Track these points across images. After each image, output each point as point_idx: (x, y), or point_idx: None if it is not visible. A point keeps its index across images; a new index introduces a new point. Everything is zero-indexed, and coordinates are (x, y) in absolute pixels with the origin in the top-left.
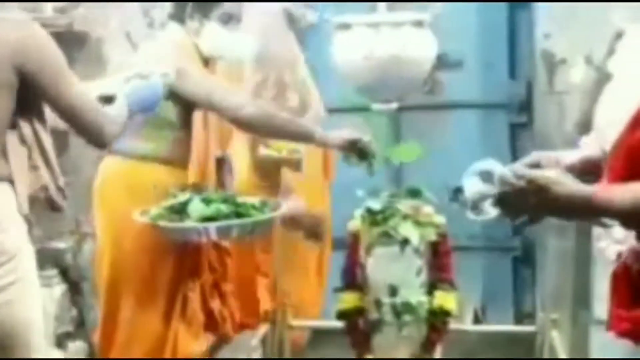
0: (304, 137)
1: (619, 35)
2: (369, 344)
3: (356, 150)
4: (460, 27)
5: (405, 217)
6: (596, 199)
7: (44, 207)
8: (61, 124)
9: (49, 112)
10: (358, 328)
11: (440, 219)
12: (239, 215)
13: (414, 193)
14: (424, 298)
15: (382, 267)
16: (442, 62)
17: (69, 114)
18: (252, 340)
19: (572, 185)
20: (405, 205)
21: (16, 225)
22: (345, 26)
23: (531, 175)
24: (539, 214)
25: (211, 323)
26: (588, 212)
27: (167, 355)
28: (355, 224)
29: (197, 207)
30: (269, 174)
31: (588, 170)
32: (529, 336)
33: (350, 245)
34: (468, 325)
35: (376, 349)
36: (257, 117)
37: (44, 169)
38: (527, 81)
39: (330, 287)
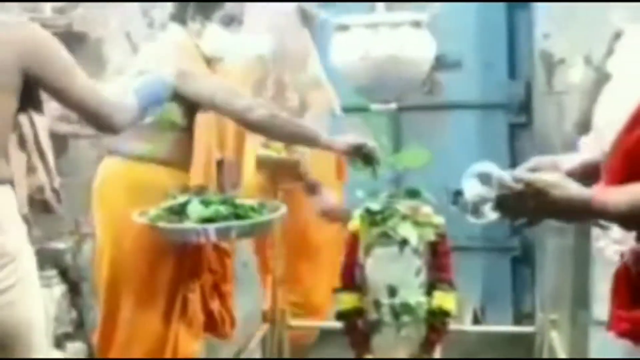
0: (310, 140)
1: (618, 36)
2: (368, 345)
3: (361, 155)
4: (459, 28)
5: (404, 217)
6: (594, 202)
7: (38, 209)
8: (61, 129)
9: (48, 113)
10: (357, 328)
11: (439, 220)
12: (238, 216)
13: (413, 193)
14: (423, 298)
15: (381, 267)
16: (441, 63)
17: (78, 106)
18: (252, 341)
19: (571, 189)
20: (404, 205)
21: (17, 227)
22: (344, 27)
23: (529, 179)
24: (538, 217)
25: (211, 323)
26: (586, 215)
27: (168, 355)
28: (354, 224)
29: (196, 209)
30: (270, 174)
31: (589, 174)
32: (528, 336)
33: (349, 246)
34: (467, 325)
35: (375, 349)
36: (266, 120)
37: (41, 170)
38: (526, 81)
39: None
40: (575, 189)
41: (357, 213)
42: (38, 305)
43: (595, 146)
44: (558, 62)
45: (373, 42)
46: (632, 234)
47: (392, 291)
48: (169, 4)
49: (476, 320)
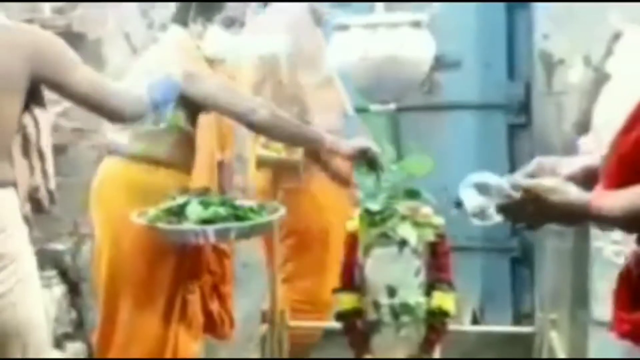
0: (314, 142)
1: (617, 36)
2: (368, 345)
3: (366, 160)
4: (459, 28)
5: (403, 217)
6: (591, 207)
7: (31, 208)
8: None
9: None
10: (356, 329)
11: (438, 220)
12: (237, 218)
13: (413, 194)
14: (422, 299)
15: (380, 267)
16: (440, 63)
17: (86, 100)
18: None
19: (570, 193)
20: (403, 206)
21: (18, 229)
22: (343, 27)
23: (528, 185)
24: (538, 222)
25: (210, 324)
26: (585, 220)
27: (167, 356)
28: (353, 224)
29: (195, 210)
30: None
31: (590, 178)
32: (527, 336)
33: (349, 246)
34: (466, 325)
35: (375, 349)
36: (271, 121)
37: (38, 171)
38: (525, 82)
39: None
40: (573, 194)
41: (356, 213)
42: (39, 305)
43: (594, 147)
44: (557, 62)
45: (372, 43)
46: (633, 236)
47: (392, 291)
48: (171, 7)
49: (475, 321)
